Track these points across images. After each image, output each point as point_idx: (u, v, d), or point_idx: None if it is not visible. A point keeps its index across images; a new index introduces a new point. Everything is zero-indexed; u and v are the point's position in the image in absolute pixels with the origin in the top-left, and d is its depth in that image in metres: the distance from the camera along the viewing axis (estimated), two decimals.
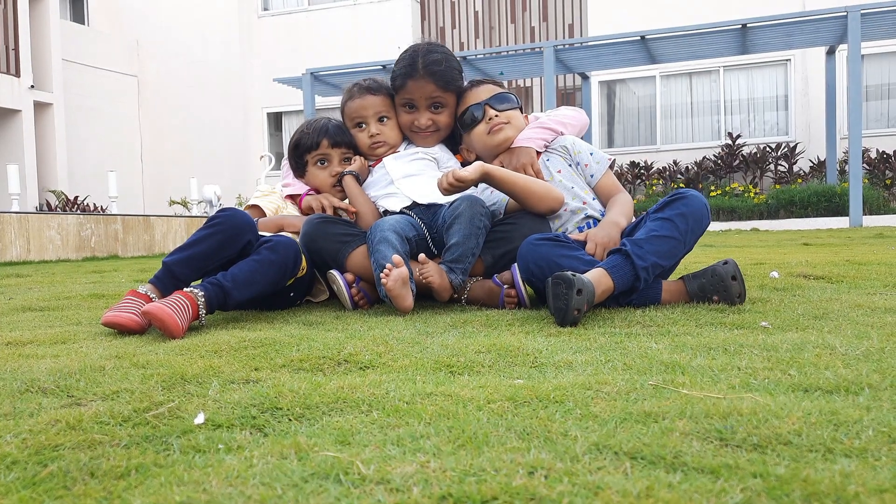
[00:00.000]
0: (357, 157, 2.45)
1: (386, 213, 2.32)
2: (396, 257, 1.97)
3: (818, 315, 1.71)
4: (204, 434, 0.95)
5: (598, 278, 1.81)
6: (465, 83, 2.42)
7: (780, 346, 1.37)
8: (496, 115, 2.33)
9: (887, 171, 15.55)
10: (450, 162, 2.47)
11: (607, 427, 0.93)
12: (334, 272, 2.19)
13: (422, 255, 2.04)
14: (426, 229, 2.27)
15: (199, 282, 1.94)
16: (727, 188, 16.66)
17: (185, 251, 1.96)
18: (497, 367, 1.35)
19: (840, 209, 13.98)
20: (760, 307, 1.88)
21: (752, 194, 15.76)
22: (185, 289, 1.84)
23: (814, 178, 16.93)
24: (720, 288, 1.88)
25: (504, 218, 2.24)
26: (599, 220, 2.21)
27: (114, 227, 9.77)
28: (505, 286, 2.09)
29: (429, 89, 2.36)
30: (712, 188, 16.80)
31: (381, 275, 1.96)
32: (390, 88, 2.46)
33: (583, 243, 2.07)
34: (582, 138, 2.46)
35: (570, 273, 1.70)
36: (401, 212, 2.29)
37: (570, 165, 2.34)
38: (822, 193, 14.45)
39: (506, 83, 13.90)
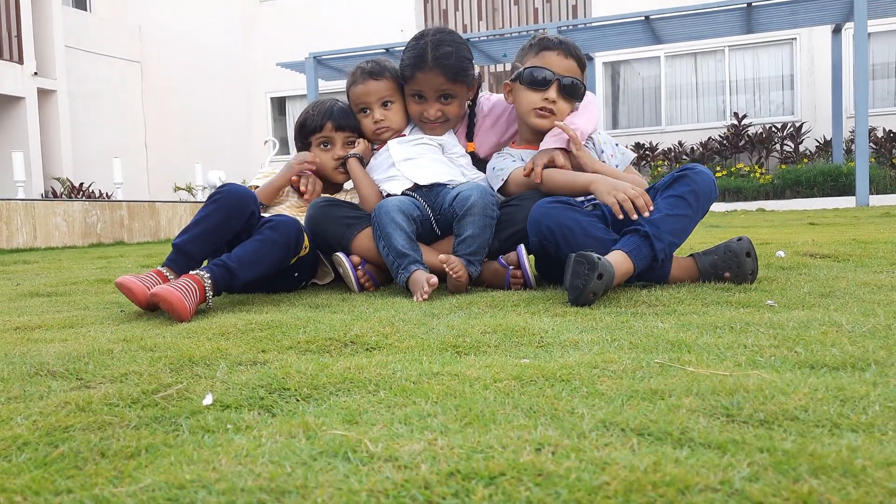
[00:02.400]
0: (361, 140, 2.44)
1: (388, 196, 2.32)
2: (433, 278, 1.95)
3: (824, 293, 1.71)
4: (212, 415, 0.95)
5: (619, 261, 1.80)
6: (558, 39, 2.25)
7: (786, 324, 1.37)
8: (552, 101, 2.19)
9: (894, 150, 15.45)
10: (455, 148, 2.46)
11: (614, 405, 0.93)
12: (340, 255, 2.19)
13: (443, 255, 2.04)
14: (430, 210, 2.26)
15: (205, 264, 1.95)
16: (733, 168, 16.59)
17: (193, 230, 1.97)
18: (503, 346, 1.35)
19: (847, 189, 13.91)
20: (766, 286, 1.88)
21: (758, 174, 15.68)
22: (191, 272, 1.84)
23: (820, 157, 16.83)
24: (733, 264, 1.87)
25: (508, 200, 2.23)
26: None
27: (119, 213, 9.80)
28: (510, 267, 2.09)
29: (438, 82, 2.33)
30: (718, 168, 16.73)
31: (421, 296, 1.93)
32: (395, 70, 2.45)
33: (595, 211, 2.08)
34: None
35: (595, 256, 1.69)
36: (402, 193, 2.29)
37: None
38: (829, 173, 14.37)
39: (508, 66, 13.82)
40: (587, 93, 2.32)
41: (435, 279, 1.94)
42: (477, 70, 2.57)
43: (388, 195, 2.31)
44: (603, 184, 2.05)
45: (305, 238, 2.12)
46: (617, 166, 2.31)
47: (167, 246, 10.00)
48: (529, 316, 1.63)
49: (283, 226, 2.01)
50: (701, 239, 4.07)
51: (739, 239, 1.89)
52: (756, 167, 16.65)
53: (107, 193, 12.74)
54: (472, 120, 2.58)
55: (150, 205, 10.28)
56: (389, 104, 2.41)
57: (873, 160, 14.68)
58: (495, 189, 2.28)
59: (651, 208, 1.91)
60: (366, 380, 1.10)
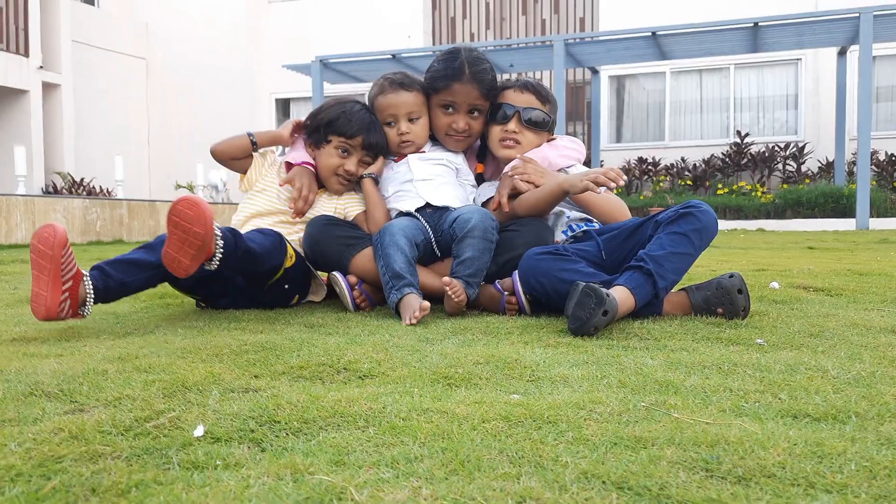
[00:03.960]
0: (379, 159, 2.45)
1: (397, 215, 2.35)
2: (426, 303, 1.96)
3: (814, 333, 1.73)
4: (203, 448, 0.97)
5: (623, 298, 1.82)
6: (518, 80, 2.47)
7: (773, 367, 1.39)
8: (514, 132, 2.39)
9: (895, 174, 15.49)
10: (468, 176, 2.50)
11: (597, 453, 0.95)
12: (336, 274, 2.21)
13: (445, 278, 2.06)
14: (431, 232, 2.29)
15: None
16: (734, 186, 16.63)
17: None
18: (494, 379, 1.37)
19: (847, 211, 13.94)
20: (758, 321, 1.90)
21: (759, 193, 15.72)
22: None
23: (822, 178, 16.87)
24: (725, 301, 1.89)
25: (506, 225, 2.25)
26: (580, 224, 2.29)
27: (119, 211, 9.82)
28: (506, 293, 2.11)
29: (473, 94, 2.41)
30: (720, 186, 16.77)
31: (411, 319, 1.95)
32: (422, 85, 2.47)
33: (582, 255, 2.10)
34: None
35: (604, 291, 1.71)
36: (408, 213, 2.31)
37: None
38: (830, 194, 14.42)
39: (514, 75, 13.90)
40: (572, 138, 2.50)
41: (427, 305, 1.95)
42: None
43: (398, 213, 2.34)
44: (571, 178, 2.14)
45: (289, 247, 2.13)
46: None
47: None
48: (522, 346, 1.65)
49: (266, 230, 2.07)
50: (699, 262, 4.09)
51: (731, 276, 1.91)
52: (758, 186, 16.69)
53: (108, 190, 12.76)
54: (484, 142, 2.62)
55: (150, 204, 10.30)
56: (416, 119, 2.43)
57: (874, 183, 14.72)
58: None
59: (622, 182, 2.03)
60: (356, 414, 1.12)
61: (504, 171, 2.38)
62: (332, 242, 2.22)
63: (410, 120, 2.42)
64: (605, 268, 2.08)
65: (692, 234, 1.91)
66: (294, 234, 2.34)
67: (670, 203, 16.08)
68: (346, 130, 2.37)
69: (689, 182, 17.26)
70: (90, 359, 1.50)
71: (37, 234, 1.76)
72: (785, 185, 16.39)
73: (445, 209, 2.29)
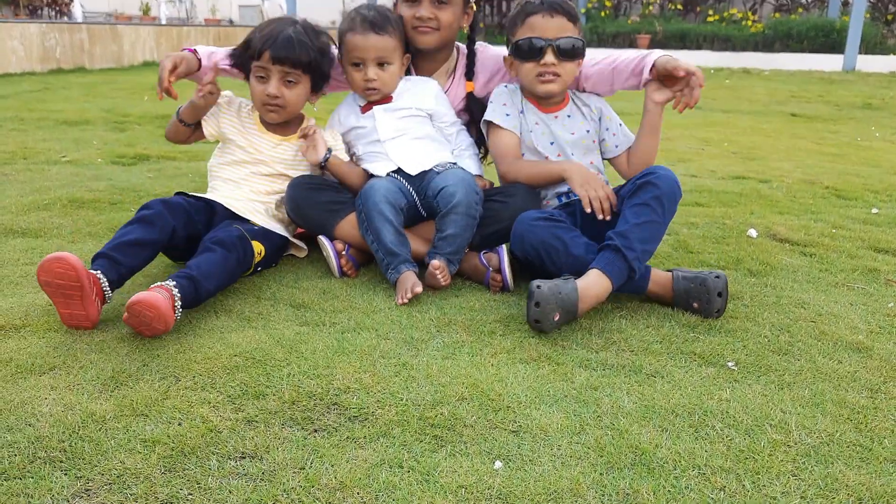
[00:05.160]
0: (313, 127, 2.28)
1: (371, 176, 2.29)
2: (418, 287, 2.00)
3: (783, 350, 1.80)
4: None
5: (594, 281, 1.89)
6: (540, 3, 2.19)
7: (740, 422, 1.47)
8: (553, 64, 2.18)
9: (891, 6, 14.97)
10: (445, 117, 2.39)
11: None
12: (323, 239, 2.20)
13: (435, 261, 2.06)
14: (415, 195, 2.25)
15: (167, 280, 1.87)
16: (725, 14, 16.01)
17: (117, 240, 1.95)
18: (478, 426, 1.45)
19: (837, 45, 13.61)
20: (731, 315, 1.97)
21: (749, 23, 15.19)
22: (157, 283, 1.82)
23: (815, 8, 16.26)
24: (704, 299, 1.95)
25: (492, 194, 2.22)
26: (572, 194, 2.23)
27: (79, 36, 9.27)
28: (490, 269, 2.13)
29: None
30: (710, 12, 16.13)
31: (403, 299, 1.99)
32: (399, 24, 2.30)
33: (576, 219, 2.12)
34: None
35: (535, 284, 1.81)
36: (388, 175, 2.26)
37: (587, 132, 2.31)
38: (821, 27, 14.00)
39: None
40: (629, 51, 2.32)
41: (419, 288, 1.99)
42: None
43: (371, 175, 2.28)
44: (577, 174, 2.12)
45: (256, 244, 2.10)
46: (617, 146, 2.33)
47: (132, 75, 9.57)
48: (505, 365, 1.70)
49: (228, 240, 1.99)
50: (686, 144, 4.07)
51: (717, 276, 1.94)
52: (749, 14, 16.08)
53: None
54: (472, 59, 2.50)
55: (111, 28, 9.72)
56: (386, 66, 2.29)
57: (868, 15, 14.26)
58: (485, 131, 2.35)
59: (608, 217, 2.06)
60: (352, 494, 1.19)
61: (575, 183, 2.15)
62: (316, 208, 2.18)
63: (380, 65, 2.28)
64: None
65: (653, 202, 1.95)
66: (273, 186, 2.29)
67: (658, 29, 15.48)
68: (252, 50, 2.20)
69: (679, 6, 16.54)
70: (87, 395, 1.53)
71: (49, 271, 1.74)
72: (777, 15, 15.81)
73: (427, 171, 2.24)
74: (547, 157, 2.26)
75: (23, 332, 1.83)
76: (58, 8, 18.57)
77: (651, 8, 16.88)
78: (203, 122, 2.32)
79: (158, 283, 1.82)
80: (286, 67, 2.19)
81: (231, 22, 17.78)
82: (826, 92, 8.61)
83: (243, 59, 2.27)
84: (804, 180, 3.71)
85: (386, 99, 2.34)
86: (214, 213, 2.21)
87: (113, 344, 1.77)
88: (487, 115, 2.29)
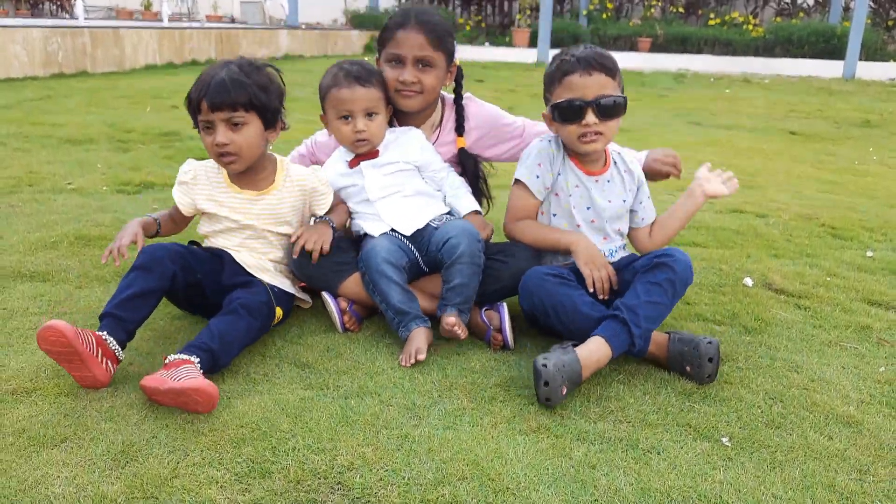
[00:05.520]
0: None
1: (367, 235, 2.33)
2: (422, 355, 2.06)
3: (775, 423, 1.84)
4: None
5: (596, 348, 1.96)
6: (575, 57, 2.13)
7: None
8: (595, 123, 2.12)
9: (892, 12, 14.97)
10: (433, 165, 2.42)
11: None
12: (327, 298, 2.25)
13: (450, 318, 2.11)
14: (416, 252, 2.30)
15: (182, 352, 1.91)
16: (727, 17, 16.01)
17: (120, 295, 1.98)
18: None
19: (837, 51, 13.63)
20: (727, 377, 2.02)
21: (751, 27, 15.19)
22: (178, 356, 1.87)
23: (816, 12, 16.25)
24: (696, 364, 2.00)
25: (493, 253, 2.26)
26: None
27: (81, 40, 9.29)
28: (492, 328, 2.18)
29: (418, 42, 2.32)
30: (712, 16, 16.13)
31: (407, 361, 2.05)
32: (381, 77, 2.35)
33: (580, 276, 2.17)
34: None
35: (541, 363, 1.84)
36: (385, 233, 2.30)
37: (623, 201, 2.31)
38: (822, 33, 14.00)
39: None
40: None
41: (423, 356, 2.05)
42: (458, 57, 2.50)
43: (367, 234, 2.32)
44: (584, 251, 2.17)
45: (277, 310, 2.15)
46: (643, 220, 2.39)
47: (133, 80, 9.56)
48: (507, 438, 1.74)
49: (255, 306, 2.04)
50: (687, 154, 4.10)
51: (710, 342, 1.99)
52: (750, 18, 16.07)
53: None
54: (461, 114, 2.54)
55: (114, 31, 9.73)
56: (374, 116, 2.33)
57: (869, 21, 14.26)
58: (517, 175, 2.30)
59: (606, 297, 2.12)
60: None
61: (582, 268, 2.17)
62: (320, 269, 2.22)
63: (368, 115, 2.32)
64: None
65: (666, 284, 2.01)
66: (271, 248, 2.30)
67: (659, 33, 15.49)
68: (192, 104, 2.12)
69: (681, 9, 16.53)
70: (96, 469, 1.58)
71: (46, 340, 1.79)
72: (778, 19, 15.80)
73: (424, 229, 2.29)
74: (579, 225, 2.25)
75: (34, 396, 1.87)
76: (59, 3, 18.53)
77: (652, 10, 16.87)
78: (179, 206, 2.28)
79: (183, 356, 1.86)
80: (227, 112, 2.10)
81: (232, 19, 17.76)
82: (825, 105, 8.64)
83: (192, 118, 2.19)
84: (801, 215, 3.75)
85: (373, 154, 2.37)
86: (223, 263, 2.24)
87: (123, 411, 1.81)
88: (518, 174, 2.27)
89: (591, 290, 2.11)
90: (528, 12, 16.41)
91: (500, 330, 2.16)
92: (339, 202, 2.39)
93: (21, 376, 1.96)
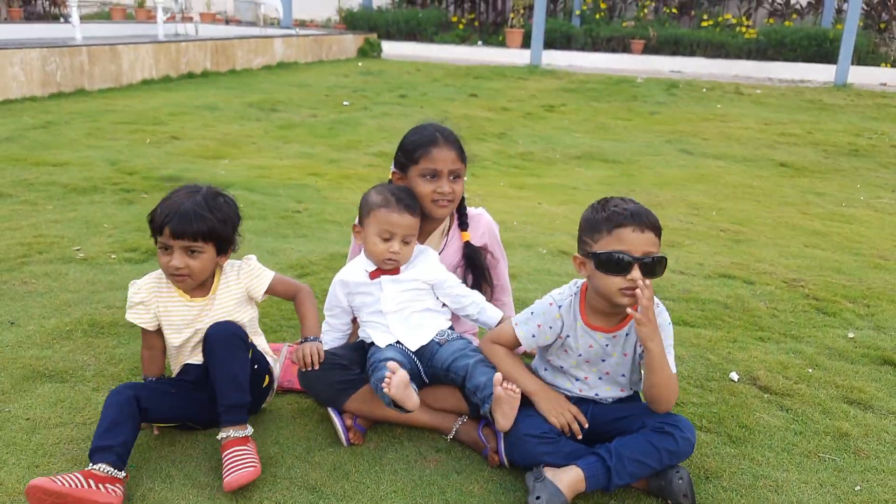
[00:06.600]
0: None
1: (372, 344, 2.46)
2: (392, 364, 2.19)
3: None
4: None
5: (573, 480, 2.08)
6: (629, 211, 2.10)
7: None
8: (640, 281, 2.04)
9: (884, 14, 15.05)
10: (447, 283, 2.55)
11: None
12: (332, 414, 2.38)
13: (497, 376, 2.20)
14: (419, 362, 2.43)
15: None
16: (720, 19, 16.04)
17: (102, 426, 2.14)
18: None
19: (830, 55, 13.71)
20: (711, 499, 2.16)
21: (743, 29, 15.24)
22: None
23: (810, 14, 16.30)
24: (673, 499, 2.13)
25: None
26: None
27: (79, 59, 9.34)
28: (489, 447, 2.31)
29: (451, 157, 2.55)
30: (705, 17, 16.16)
31: (383, 385, 2.17)
32: (419, 206, 2.51)
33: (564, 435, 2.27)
34: None
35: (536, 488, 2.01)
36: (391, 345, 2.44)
37: (640, 353, 2.25)
38: (815, 37, 14.08)
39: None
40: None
41: (398, 368, 2.19)
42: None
43: (373, 343, 2.46)
44: (544, 400, 2.30)
45: (267, 375, 2.41)
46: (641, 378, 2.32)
47: (130, 99, 9.58)
48: None
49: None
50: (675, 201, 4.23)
51: (681, 479, 2.10)
52: (743, 19, 16.12)
53: None
54: (463, 212, 2.69)
55: (111, 48, 9.75)
56: (409, 241, 2.48)
57: (861, 24, 14.34)
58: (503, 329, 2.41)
59: (579, 437, 2.23)
60: None
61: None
62: (325, 387, 2.37)
63: (406, 241, 2.45)
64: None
65: (664, 453, 2.11)
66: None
67: (651, 34, 15.51)
68: (155, 225, 2.27)
69: (675, 10, 16.56)
70: None
71: (34, 499, 1.94)
72: (771, 20, 15.85)
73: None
74: (587, 377, 2.32)
75: None
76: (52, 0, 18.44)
77: (646, 11, 16.90)
78: (143, 325, 2.42)
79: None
80: (187, 241, 2.25)
81: (227, 21, 17.68)
82: (815, 126, 8.74)
83: (152, 235, 2.33)
84: (787, 281, 3.89)
85: (394, 270, 2.50)
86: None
87: None
88: (518, 319, 2.34)
89: (568, 435, 2.23)
90: (522, 11, 16.40)
91: (497, 451, 2.30)
92: (314, 322, 2.49)
93: None
